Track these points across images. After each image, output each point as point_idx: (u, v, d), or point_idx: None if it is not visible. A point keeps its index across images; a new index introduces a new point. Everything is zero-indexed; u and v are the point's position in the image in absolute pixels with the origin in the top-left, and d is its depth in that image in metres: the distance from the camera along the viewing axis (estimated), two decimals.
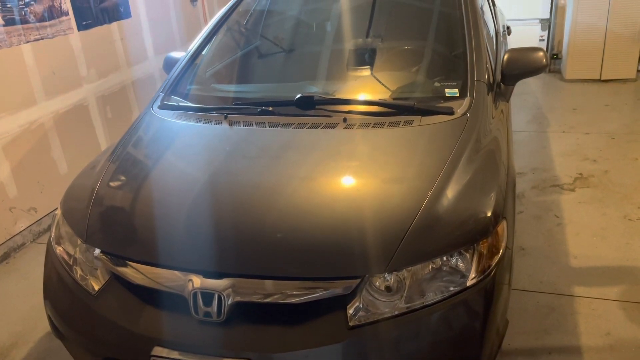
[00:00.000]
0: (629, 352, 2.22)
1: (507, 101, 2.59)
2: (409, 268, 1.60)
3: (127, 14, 4.17)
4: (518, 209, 3.29)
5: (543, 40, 6.07)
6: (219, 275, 1.62)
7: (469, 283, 1.62)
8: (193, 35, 4.93)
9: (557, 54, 6.02)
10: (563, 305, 2.50)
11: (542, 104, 5.17)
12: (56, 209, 2.10)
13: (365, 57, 2.63)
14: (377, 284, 1.61)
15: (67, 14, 3.58)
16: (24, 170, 3.32)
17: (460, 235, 1.66)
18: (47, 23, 3.42)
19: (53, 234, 2.03)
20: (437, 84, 2.37)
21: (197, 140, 2.23)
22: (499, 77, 2.52)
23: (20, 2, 3.21)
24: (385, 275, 1.60)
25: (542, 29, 6.03)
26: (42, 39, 3.39)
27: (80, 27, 3.71)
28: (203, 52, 2.82)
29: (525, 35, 5.97)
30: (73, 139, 3.70)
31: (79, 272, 1.85)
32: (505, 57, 2.50)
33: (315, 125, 2.14)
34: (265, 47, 2.99)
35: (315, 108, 2.23)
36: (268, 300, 1.60)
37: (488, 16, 3.11)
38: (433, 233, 1.65)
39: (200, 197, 1.86)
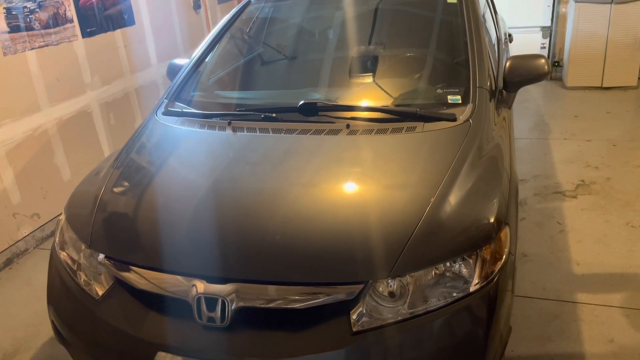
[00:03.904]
0: (632, 359, 2.22)
1: (509, 108, 2.60)
2: (412, 274, 1.61)
3: (130, 22, 4.20)
4: (520, 216, 3.29)
5: (544, 47, 6.09)
6: (223, 281, 1.63)
7: (472, 289, 1.62)
8: (196, 43, 4.96)
9: (558, 62, 6.04)
10: (566, 312, 2.50)
11: (543, 111, 5.18)
12: (60, 214, 2.11)
13: (367, 64, 2.65)
14: (381, 289, 1.61)
15: (71, 21, 3.60)
16: (27, 177, 3.33)
17: (463, 241, 1.67)
18: (51, 30, 3.44)
19: (57, 239, 2.03)
20: (439, 91, 2.38)
21: (200, 146, 2.24)
22: (501, 84, 2.54)
23: (25, 10, 3.24)
24: (389, 280, 1.60)
25: (544, 37, 6.06)
26: (46, 45, 3.42)
27: (85, 35, 3.73)
28: (206, 59, 2.84)
29: (527, 42, 6.00)
30: (76, 145, 3.71)
31: (83, 277, 1.86)
32: (507, 64, 2.52)
33: (318, 132, 2.15)
34: (268, 54, 3.01)
35: (318, 114, 2.24)
36: (271, 305, 1.60)
37: (490, 24, 3.13)
38: (436, 239, 1.66)
39: (203, 202, 1.86)
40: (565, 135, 4.52)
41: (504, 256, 1.71)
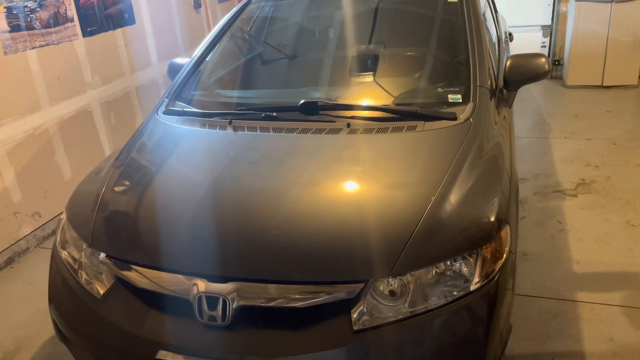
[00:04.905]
0: (632, 357, 2.22)
1: (510, 107, 2.60)
2: (413, 272, 1.61)
3: (131, 21, 4.20)
4: (520, 215, 3.29)
5: (545, 46, 6.09)
6: (224, 280, 1.63)
7: (472, 288, 1.62)
8: (196, 42, 4.97)
9: (558, 60, 6.04)
10: (566, 310, 2.50)
11: (543, 110, 5.18)
12: (61, 213, 2.11)
13: (368, 63, 2.65)
14: (381, 288, 1.61)
15: (72, 20, 3.61)
16: (28, 176, 3.34)
17: (464, 240, 1.67)
18: (52, 29, 3.44)
19: (58, 238, 2.04)
20: (440, 90, 2.39)
21: (201, 145, 2.24)
22: (501, 83, 2.54)
23: (26, 9, 3.24)
24: (389, 279, 1.60)
25: (544, 36, 6.06)
26: (47, 45, 3.42)
27: (85, 34, 3.73)
28: (207, 58, 2.84)
29: (527, 41, 6.00)
30: (77, 144, 3.71)
31: (84, 276, 1.86)
32: (508, 63, 2.52)
33: (319, 131, 2.15)
34: (269, 53, 3.01)
35: (319, 113, 2.24)
36: (272, 304, 1.61)
37: (490, 23, 3.13)
38: (437, 238, 1.66)
39: (204, 201, 1.87)
40: (565, 134, 4.52)
41: (505, 255, 1.71)
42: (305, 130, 2.16)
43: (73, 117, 3.67)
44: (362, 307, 1.59)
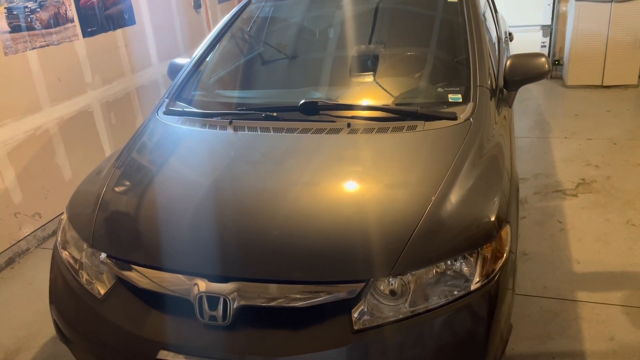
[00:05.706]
0: (632, 357, 2.22)
1: (510, 107, 2.60)
2: (413, 272, 1.61)
3: (131, 21, 4.20)
4: (521, 215, 3.30)
5: (545, 46, 6.09)
6: (224, 279, 1.63)
7: (473, 287, 1.62)
8: (197, 42, 4.97)
9: (558, 60, 6.04)
10: (566, 310, 2.50)
11: (544, 110, 5.19)
12: (61, 214, 2.12)
13: (368, 63, 2.65)
14: (382, 288, 1.61)
15: (72, 20, 3.61)
16: (28, 176, 3.34)
17: (464, 239, 1.67)
18: (52, 30, 3.45)
19: (59, 238, 2.04)
20: (440, 90, 2.39)
21: (201, 145, 2.24)
22: (501, 82, 2.54)
23: (26, 9, 3.24)
24: (390, 279, 1.61)
25: (544, 35, 6.06)
26: (47, 45, 3.42)
27: (85, 34, 3.74)
28: (207, 59, 2.84)
29: (527, 41, 6.00)
30: (77, 145, 3.72)
31: (85, 276, 1.87)
32: (508, 63, 2.52)
33: (319, 131, 2.15)
34: (269, 53, 3.01)
35: (319, 113, 2.25)
36: (273, 304, 1.61)
37: (490, 22, 3.13)
38: (437, 237, 1.66)
39: (205, 201, 1.87)
40: (565, 134, 4.52)
41: (505, 254, 1.72)
42: (305, 130, 2.16)
43: (73, 117, 3.67)
44: (362, 307, 1.59)
